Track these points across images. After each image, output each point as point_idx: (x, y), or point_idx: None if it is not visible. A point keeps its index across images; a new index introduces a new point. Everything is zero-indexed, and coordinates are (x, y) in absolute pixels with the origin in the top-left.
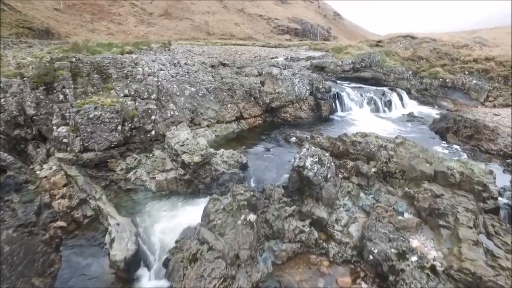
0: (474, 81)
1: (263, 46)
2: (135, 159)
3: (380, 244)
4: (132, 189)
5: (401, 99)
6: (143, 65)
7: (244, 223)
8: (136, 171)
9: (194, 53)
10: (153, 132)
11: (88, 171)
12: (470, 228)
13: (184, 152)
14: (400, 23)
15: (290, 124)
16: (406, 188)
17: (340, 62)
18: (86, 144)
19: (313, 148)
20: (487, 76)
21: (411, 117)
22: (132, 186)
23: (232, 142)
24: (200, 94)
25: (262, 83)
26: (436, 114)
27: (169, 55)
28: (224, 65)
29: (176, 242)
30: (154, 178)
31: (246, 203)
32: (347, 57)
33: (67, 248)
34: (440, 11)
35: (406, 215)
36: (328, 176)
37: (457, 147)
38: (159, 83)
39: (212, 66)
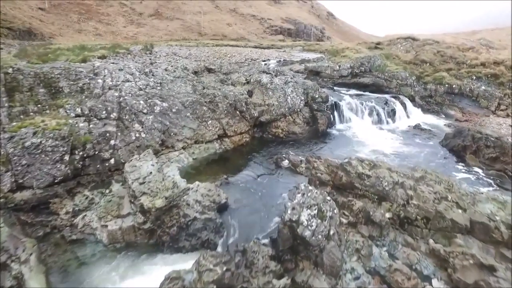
0: (483, 87)
1: (256, 47)
2: (86, 198)
3: None
4: (78, 240)
5: (405, 108)
6: (104, 76)
7: None
8: (86, 214)
9: (179, 56)
10: (112, 161)
11: (22, 217)
12: None
13: (144, 193)
14: (394, 24)
15: (282, 141)
16: (432, 241)
17: (337, 67)
18: (21, 181)
19: (310, 192)
20: (496, 82)
21: (418, 130)
22: (79, 236)
23: (213, 166)
24: (173, 110)
25: (250, 92)
26: (445, 125)
27: (149, 59)
28: (209, 70)
29: None
30: (106, 226)
31: (215, 286)
32: (344, 60)
33: None
34: (434, 11)
35: (435, 283)
36: (331, 233)
37: (479, 171)
38: (121, 99)
39: (195, 73)
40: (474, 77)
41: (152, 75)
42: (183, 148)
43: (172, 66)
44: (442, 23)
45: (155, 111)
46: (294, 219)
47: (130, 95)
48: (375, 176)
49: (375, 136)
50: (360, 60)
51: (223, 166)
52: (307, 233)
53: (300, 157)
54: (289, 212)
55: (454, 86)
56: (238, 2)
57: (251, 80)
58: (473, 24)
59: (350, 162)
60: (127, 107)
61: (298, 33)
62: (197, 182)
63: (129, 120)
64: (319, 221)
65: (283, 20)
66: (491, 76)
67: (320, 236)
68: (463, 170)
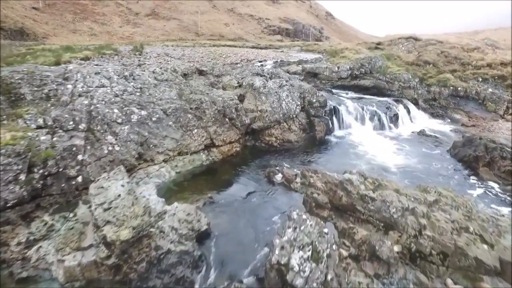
0: (490, 90)
1: (254, 47)
2: (44, 224)
3: None
4: (30, 277)
5: (408, 112)
6: (76, 81)
7: None
8: (41, 246)
9: (171, 57)
10: (79, 179)
11: None
12: None
13: (108, 222)
14: (394, 24)
15: (276, 150)
16: (450, 282)
17: (336, 68)
18: None
19: (303, 225)
20: (504, 84)
21: (422, 136)
22: (31, 272)
23: (199, 181)
24: (153, 119)
25: (242, 97)
26: (451, 131)
27: (138, 60)
28: (201, 72)
29: None
30: (63, 261)
31: None
32: (343, 61)
33: None
34: (434, 11)
35: None
36: (329, 278)
37: (495, 186)
38: (92, 107)
39: (185, 75)
40: (480, 79)
41: (133, 79)
42: (165, 161)
43: (161, 68)
44: (442, 23)
45: (132, 120)
46: (283, 262)
47: (103, 102)
48: (381, 199)
49: (377, 144)
50: (360, 61)
51: (209, 180)
52: (299, 281)
53: (295, 170)
54: (277, 252)
55: (459, 88)
56: (236, 2)
57: (243, 84)
58: (474, 24)
59: (350, 180)
60: (99, 117)
61: (297, 33)
62: (175, 204)
63: (101, 131)
64: (313, 265)
65: (281, 20)
66: (498, 77)
67: (315, 285)
68: (477, 185)
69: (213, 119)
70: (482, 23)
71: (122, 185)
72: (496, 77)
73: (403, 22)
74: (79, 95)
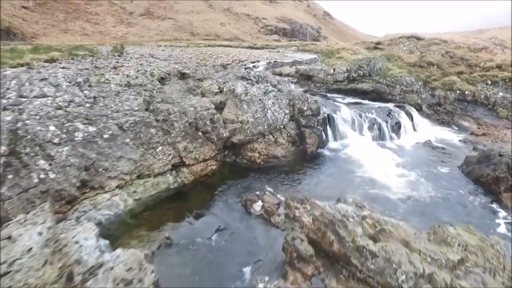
0: (501, 94)
1: (250, 47)
2: None
3: None
4: None
5: (411, 119)
6: (7, 89)
7: None
8: None
9: (156, 59)
10: None
11: None
12: None
13: None
14: (393, 24)
15: (259, 168)
16: None
17: (332, 70)
18: None
19: None
20: None
21: (428, 148)
22: None
23: (162, 210)
24: (105, 136)
25: (223, 104)
26: (460, 141)
27: (116, 62)
28: (183, 75)
29: None
30: None
31: None
32: (340, 63)
33: None
34: (434, 10)
35: None
36: None
37: None
38: (20, 124)
39: (162, 79)
40: (490, 82)
41: (89, 86)
42: (119, 187)
43: (138, 71)
44: (442, 23)
45: (76, 139)
46: None
47: (36, 117)
48: (384, 256)
49: (377, 158)
50: (358, 62)
51: (175, 208)
52: None
53: (278, 196)
54: None
55: (466, 92)
56: (232, 2)
57: (224, 89)
58: (473, 24)
59: (344, 223)
60: (28, 136)
61: (294, 33)
62: (118, 251)
63: (31, 154)
64: None
65: (278, 19)
66: (509, 80)
67: None
68: (502, 217)
69: (183, 133)
70: (481, 22)
71: (40, 232)
72: (507, 80)
73: (402, 22)
74: (4, 109)
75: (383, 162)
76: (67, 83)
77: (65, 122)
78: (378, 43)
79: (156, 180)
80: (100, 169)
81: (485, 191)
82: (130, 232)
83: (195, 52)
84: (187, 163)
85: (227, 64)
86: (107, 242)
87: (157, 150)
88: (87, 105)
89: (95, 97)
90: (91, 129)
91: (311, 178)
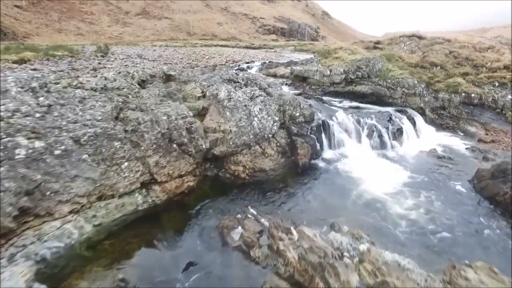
0: (510, 97)
1: (247, 47)
2: None
3: None
4: None
5: (413, 124)
6: None
7: None
8: None
9: (144, 59)
10: None
11: None
12: None
13: None
14: (392, 24)
15: (244, 184)
16: None
17: (328, 71)
18: None
19: None
20: None
21: (434, 158)
22: None
23: (127, 238)
24: (56, 153)
25: (206, 110)
26: (467, 149)
27: (98, 63)
28: (169, 77)
29: None
30: None
31: None
32: (337, 63)
33: None
34: (435, 10)
35: None
36: None
37: None
38: None
39: (143, 82)
40: (497, 84)
41: (47, 91)
42: (74, 212)
43: (120, 73)
44: (442, 22)
45: (15, 157)
46: None
47: None
48: None
49: (376, 171)
50: (356, 63)
51: (142, 236)
52: None
53: (262, 221)
54: None
55: (472, 95)
56: (230, 1)
57: (207, 94)
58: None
59: (334, 268)
60: None
61: (292, 33)
62: None
63: None
64: None
65: (276, 19)
66: None
67: None
68: None
69: (155, 145)
70: (480, 21)
71: None
72: None
73: (401, 22)
74: None
75: (383, 176)
76: (18, 89)
77: (4, 136)
78: (378, 43)
79: (121, 201)
80: (48, 193)
81: (503, 213)
82: (83, 269)
83: (188, 53)
84: (159, 180)
85: (221, 65)
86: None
87: (122, 166)
88: (37, 115)
89: (50, 106)
90: (38, 144)
91: (302, 196)
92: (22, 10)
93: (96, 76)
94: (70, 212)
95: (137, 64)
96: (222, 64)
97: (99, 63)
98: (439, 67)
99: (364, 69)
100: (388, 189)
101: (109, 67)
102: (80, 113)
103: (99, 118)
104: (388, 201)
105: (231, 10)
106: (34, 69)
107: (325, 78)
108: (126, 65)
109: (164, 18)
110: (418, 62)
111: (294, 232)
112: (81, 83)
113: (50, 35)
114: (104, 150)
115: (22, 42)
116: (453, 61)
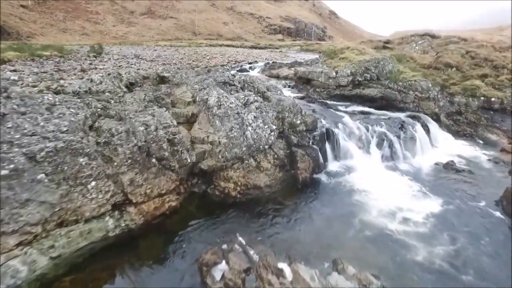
0: None
1: (252, 47)
2: None
3: None
4: None
5: (427, 132)
6: None
7: None
8: None
9: (142, 59)
10: None
11: None
12: None
13: None
14: (401, 23)
15: (235, 203)
16: None
17: (334, 73)
18: None
19: None
20: None
21: (451, 173)
22: None
23: (93, 272)
24: (3, 173)
25: (195, 117)
26: (489, 160)
27: (89, 63)
28: (162, 79)
29: None
30: None
31: None
32: (343, 64)
33: None
34: (445, 8)
35: None
36: None
37: None
38: None
39: (132, 84)
40: None
41: (7, 97)
42: (25, 243)
43: (109, 75)
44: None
45: None
46: None
47: None
48: None
49: (388, 188)
50: (364, 64)
51: (112, 269)
52: None
53: (250, 254)
54: None
55: (493, 99)
56: (236, 1)
57: (197, 99)
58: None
59: None
60: None
61: (298, 32)
62: None
63: None
64: None
65: (282, 18)
66: None
67: None
68: None
69: (130, 160)
70: (497, 20)
71: None
72: None
73: (410, 21)
74: None
75: (395, 196)
76: None
77: None
78: (387, 42)
79: (87, 227)
80: None
81: None
82: None
83: (189, 52)
84: (134, 200)
85: (223, 65)
86: None
87: (89, 186)
88: None
89: (4, 115)
90: None
91: (300, 221)
92: (28, 10)
93: (83, 78)
94: (18, 244)
95: (132, 65)
96: (224, 65)
97: (91, 64)
98: (454, 68)
99: (373, 71)
100: (401, 213)
101: (100, 68)
102: (41, 123)
103: (65, 129)
104: (403, 232)
105: (237, 10)
106: (14, 71)
107: (330, 80)
108: (120, 66)
109: (169, 18)
110: (431, 63)
111: (287, 272)
112: (62, 86)
113: (54, 35)
114: (66, 167)
115: (25, 42)
116: (470, 62)
